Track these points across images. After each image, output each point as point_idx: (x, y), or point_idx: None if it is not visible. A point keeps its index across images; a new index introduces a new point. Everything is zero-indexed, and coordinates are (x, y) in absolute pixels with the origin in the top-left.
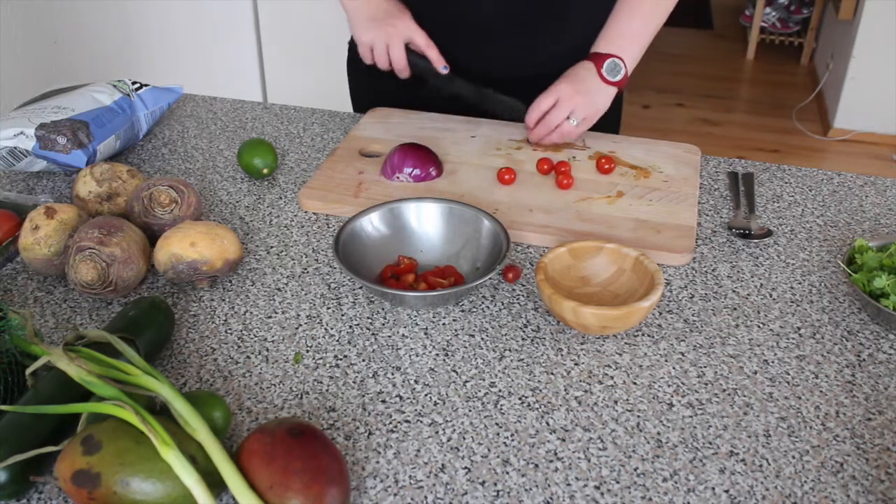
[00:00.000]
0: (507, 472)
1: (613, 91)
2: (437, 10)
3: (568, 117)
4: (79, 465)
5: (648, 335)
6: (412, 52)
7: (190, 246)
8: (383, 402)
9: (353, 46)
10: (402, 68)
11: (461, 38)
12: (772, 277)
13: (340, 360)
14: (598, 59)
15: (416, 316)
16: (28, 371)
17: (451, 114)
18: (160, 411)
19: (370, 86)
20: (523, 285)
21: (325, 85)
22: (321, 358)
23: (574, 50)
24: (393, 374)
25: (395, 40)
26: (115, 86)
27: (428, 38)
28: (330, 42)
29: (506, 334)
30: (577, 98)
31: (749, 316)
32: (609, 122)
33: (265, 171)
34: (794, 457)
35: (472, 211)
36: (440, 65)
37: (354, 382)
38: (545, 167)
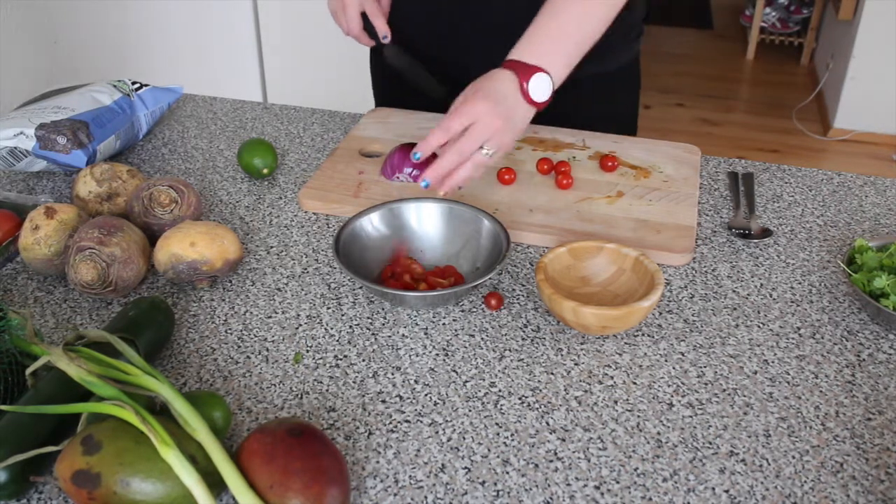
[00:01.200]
0: (507, 472)
1: (532, 113)
2: (444, 12)
3: (481, 146)
4: (79, 465)
5: (648, 335)
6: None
7: (190, 246)
8: (383, 402)
9: (373, 50)
10: (356, 35)
11: (469, 41)
12: (772, 277)
13: (340, 360)
14: (524, 71)
15: (416, 316)
16: (28, 371)
17: None
18: (160, 411)
19: (393, 92)
20: (523, 285)
21: (325, 85)
22: (321, 358)
23: None
24: (393, 374)
25: (350, 7)
26: (115, 86)
27: (375, 8)
28: (330, 42)
29: (506, 334)
30: (497, 123)
31: (749, 316)
32: (625, 126)
33: (265, 171)
34: (794, 457)
35: (472, 211)
36: (381, 33)
37: (354, 382)
38: (545, 167)
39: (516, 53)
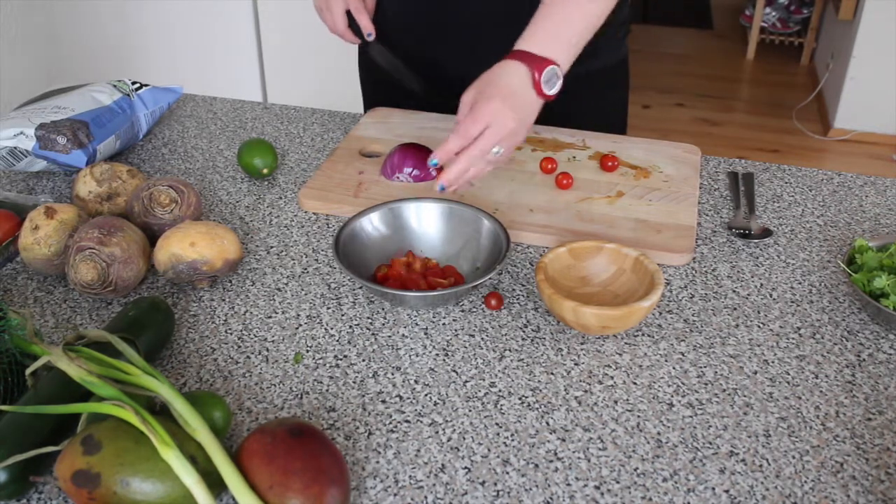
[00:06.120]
0: (507, 472)
1: (540, 106)
2: (424, 11)
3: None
4: (79, 465)
5: (648, 335)
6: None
7: (190, 246)
8: (383, 402)
9: (361, 50)
10: (341, 33)
11: (448, 40)
12: (772, 277)
13: (340, 360)
14: (537, 64)
15: (416, 316)
16: (28, 371)
17: (452, 114)
18: (160, 411)
19: (379, 91)
20: (523, 285)
21: (325, 85)
22: (321, 358)
23: None
24: (393, 374)
25: (335, 5)
26: (114, 86)
27: (359, 5)
28: (330, 42)
29: (506, 334)
30: (511, 125)
31: (749, 316)
32: (614, 125)
33: (265, 171)
34: (794, 457)
35: (472, 211)
36: (365, 31)
37: (354, 382)
38: (549, 167)
39: (524, 44)
